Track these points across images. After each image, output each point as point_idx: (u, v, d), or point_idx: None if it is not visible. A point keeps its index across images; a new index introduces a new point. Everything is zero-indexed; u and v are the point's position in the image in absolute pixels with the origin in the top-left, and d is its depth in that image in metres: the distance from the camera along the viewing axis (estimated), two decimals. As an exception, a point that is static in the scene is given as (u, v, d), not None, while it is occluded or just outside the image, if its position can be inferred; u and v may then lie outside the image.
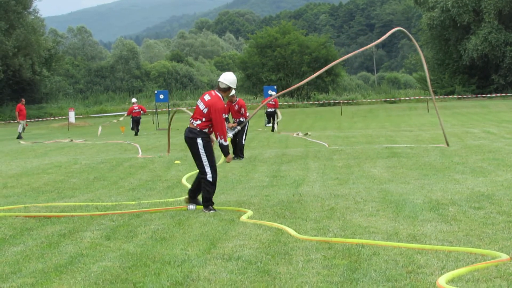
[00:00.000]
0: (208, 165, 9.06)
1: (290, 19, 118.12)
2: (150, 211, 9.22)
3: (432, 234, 7.10)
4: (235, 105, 16.80)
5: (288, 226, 7.74)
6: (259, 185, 11.82)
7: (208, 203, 9.16)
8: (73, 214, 9.15)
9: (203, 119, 9.04)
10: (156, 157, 18.08)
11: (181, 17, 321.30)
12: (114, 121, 35.76)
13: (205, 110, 9.04)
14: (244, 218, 8.37)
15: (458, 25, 64.15)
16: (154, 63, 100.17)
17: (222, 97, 9.17)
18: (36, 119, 52.57)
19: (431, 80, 67.72)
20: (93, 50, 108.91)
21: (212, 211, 9.05)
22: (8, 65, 58.51)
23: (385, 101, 62.62)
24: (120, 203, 10.16)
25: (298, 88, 73.53)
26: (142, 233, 7.77)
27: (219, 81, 9.28)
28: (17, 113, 32.82)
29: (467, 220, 7.81)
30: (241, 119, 16.97)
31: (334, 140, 22.32)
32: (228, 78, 9.23)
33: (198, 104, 9.23)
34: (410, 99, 60.36)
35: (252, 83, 74.41)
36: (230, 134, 9.37)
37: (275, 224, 7.89)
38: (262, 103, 31.12)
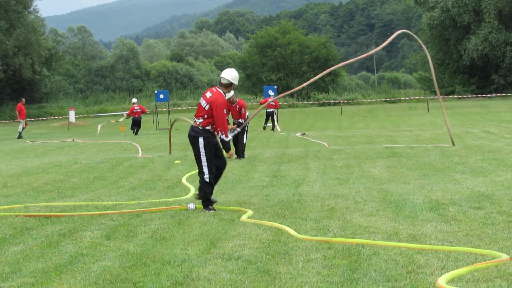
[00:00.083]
0: (207, 166, 9.07)
1: (290, 19, 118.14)
2: (150, 210, 9.22)
3: (432, 234, 7.10)
4: (235, 105, 16.77)
5: (288, 226, 7.74)
6: (259, 185, 11.82)
7: (207, 203, 9.18)
8: (73, 213, 9.15)
9: (205, 116, 9.04)
10: (156, 156, 18.08)
11: (181, 16, 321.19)
12: (112, 121, 35.71)
13: (207, 107, 9.05)
14: (244, 218, 8.37)
15: (458, 25, 64.15)
16: (154, 62, 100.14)
17: (224, 93, 9.15)
18: (36, 119, 52.58)
19: (431, 80, 67.65)
20: (93, 49, 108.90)
21: (212, 211, 9.06)
22: (8, 65, 58.52)
23: (385, 101, 62.62)
24: (120, 202, 10.15)
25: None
26: (142, 232, 7.77)
27: (220, 77, 9.28)
28: (17, 112, 32.82)
29: (467, 220, 7.81)
30: (240, 120, 16.96)
31: (334, 140, 22.32)
32: (230, 74, 9.23)
33: (200, 102, 9.24)
34: (410, 99, 60.36)
35: (252, 83, 74.41)
36: (230, 136, 9.36)
37: (275, 224, 7.89)
38: (260, 102, 31.27)
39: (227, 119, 16.63)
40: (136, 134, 31.78)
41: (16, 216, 9.10)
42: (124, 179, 13.58)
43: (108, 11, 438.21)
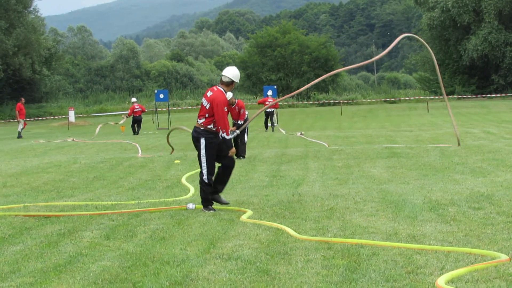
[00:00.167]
0: (206, 167, 9.09)
1: (290, 18, 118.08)
2: (149, 210, 9.21)
3: (431, 235, 7.09)
4: (235, 107, 16.75)
5: (288, 226, 7.73)
6: (259, 185, 11.82)
7: (206, 203, 9.18)
8: (73, 213, 9.14)
9: (207, 115, 9.04)
10: (156, 156, 18.08)
11: (181, 16, 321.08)
12: (111, 123, 35.63)
13: (208, 106, 9.05)
14: (244, 218, 8.37)
15: (458, 25, 64.14)
16: (154, 62, 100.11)
17: (224, 91, 9.13)
18: (36, 118, 52.57)
19: (431, 80, 67.66)
20: (93, 49, 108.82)
21: (211, 211, 9.06)
22: (8, 64, 58.50)
23: (385, 101, 62.63)
24: (119, 202, 10.15)
25: (297, 88, 73.55)
26: (141, 232, 7.76)
27: (222, 75, 9.26)
28: (17, 112, 32.83)
29: (467, 220, 7.80)
30: (239, 121, 16.94)
31: (334, 140, 22.33)
32: (232, 72, 9.21)
33: (202, 101, 9.26)
34: (410, 99, 60.37)
35: (252, 83, 74.42)
36: (231, 135, 9.35)
37: (275, 224, 7.88)
38: (258, 102, 31.28)
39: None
40: (137, 133, 31.81)
41: (16, 215, 9.09)
42: (123, 179, 13.57)
43: (108, 10, 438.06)
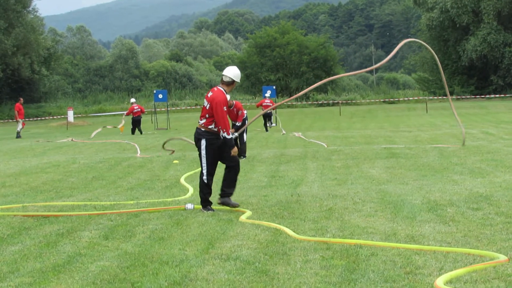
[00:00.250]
0: (206, 168, 9.10)
1: (289, 19, 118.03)
2: (148, 210, 9.21)
3: (430, 235, 7.09)
4: (233, 109, 16.72)
5: (287, 227, 7.73)
6: (258, 185, 11.82)
7: (205, 203, 9.19)
8: (71, 213, 9.13)
9: (207, 116, 9.05)
10: (155, 156, 18.07)
11: (180, 16, 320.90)
12: (109, 127, 35.54)
13: (208, 106, 9.05)
14: (243, 218, 8.37)
15: (457, 26, 64.14)
16: (153, 62, 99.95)
17: (225, 91, 9.12)
18: (35, 118, 52.51)
19: (430, 80, 67.64)
20: (92, 49, 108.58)
21: (210, 211, 9.07)
22: (7, 64, 58.43)
23: (384, 102, 62.62)
24: (118, 202, 10.15)
25: (296, 88, 73.53)
26: (140, 232, 7.76)
27: (222, 75, 9.25)
28: (16, 112, 32.81)
29: (465, 221, 7.80)
30: (238, 123, 16.92)
31: (332, 141, 22.32)
32: (232, 72, 9.21)
33: (204, 102, 9.25)
34: (409, 99, 60.35)
35: (251, 83, 74.42)
36: (231, 135, 9.33)
37: (273, 225, 7.88)
38: (257, 105, 31.34)
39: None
40: (140, 133, 31.87)
41: (14, 215, 9.09)
42: (122, 179, 13.56)
43: (107, 10, 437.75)
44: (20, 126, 32.51)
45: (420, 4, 69.11)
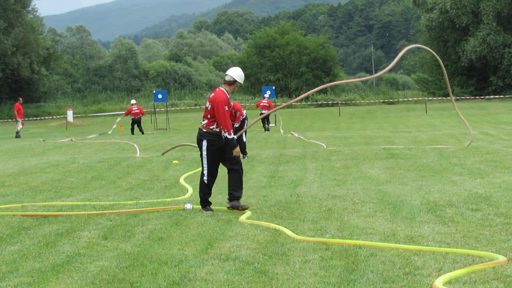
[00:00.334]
0: (207, 168, 9.10)
1: (289, 19, 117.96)
2: (147, 210, 9.20)
3: (429, 236, 7.09)
4: (231, 110, 16.70)
5: (286, 227, 7.73)
6: (257, 185, 11.81)
7: (204, 204, 9.20)
8: (71, 213, 9.13)
9: (208, 116, 9.05)
10: (154, 156, 18.06)
11: (180, 16, 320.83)
12: (109, 132, 35.41)
13: (209, 107, 9.06)
14: (243, 218, 8.37)
15: (457, 26, 64.13)
16: (152, 62, 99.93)
17: (226, 91, 9.11)
18: (35, 118, 52.45)
19: (430, 81, 67.61)
20: (91, 49, 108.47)
21: (209, 211, 9.06)
22: (7, 64, 58.41)
23: (384, 102, 62.60)
24: (117, 202, 10.14)
25: (296, 88, 73.53)
26: (139, 232, 7.75)
27: (225, 74, 9.26)
28: (16, 112, 32.80)
29: (465, 221, 7.79)
30: (235, 124, 16.90)
31: (332, 141, 22.31)
32: (235, 72, 9.21)
33: (206, 104, 9.25)
34: (408, 100, 60.33)
35: (251, 83, 74.37)
36: (233, 134, 9.32)
37: (272, 225, 7.87)
38: (256, 105, 31.38)
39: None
40: (142, 133, 31.93)
41: (14, 215, 9.08)
42: (121, 179, 13.54)
43: (107, 10, 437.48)
44: (19, 125, 32.50)
45: (420, 5, 69.09)
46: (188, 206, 9.29)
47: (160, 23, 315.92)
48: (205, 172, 9.10)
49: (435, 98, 59.43)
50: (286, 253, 6.51)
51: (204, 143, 9.05)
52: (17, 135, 31.99)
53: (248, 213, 8.75)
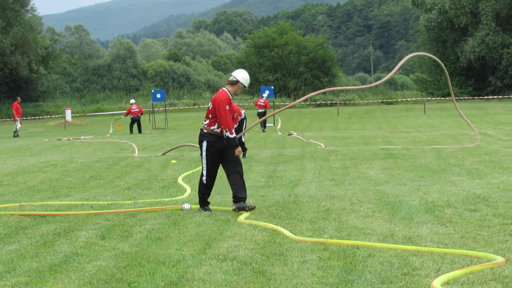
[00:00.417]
0: (206, 169, 9.09)
1: (288, 19, 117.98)
2: (145, 210, 9.19)
3: (427, 236, 7.07)
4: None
5: (284, 227, 7.71)
6: (255, 185, 11.79)
7: (203, 203, 9.19)
8: (69, 213, 9.11)
9: (210, 116, 9.03)
10: (153, 156, 18.04)
11: (178, 16, 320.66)
12: (107, 135, 35.36)
13: (211, 106, 9.05)
14: (241, 218, 8.36)
15: (456, 26, 64.10)
16: (151, 62, 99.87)
17: (228, 91, 9.09)
18: (33, 117, 52.35)
19: (428, 81, 67.52)
20: (90, 48, 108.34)
21: (207, 211, 9.06)
22: (5, 63, 58.34)
23: (382, 102, 62.59)
24: (115, 202, 10.13)
25: (295, 89, 73.54)
26: (137, 232, 7.74)
27: (230, 75, 9.26)
28: (14, 111, 32.77)
29: (463, 222, 7.78)
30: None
31: (330, 141, 22.29)
32: (240, 73, 9.20)
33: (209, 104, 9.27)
34: (407, 100, 60.31)
35: (249, 83, 74.32)
36: (235, 133, 9.30)
37: (270, 225, 7.86)
38: (255, 104, 31.41)
39: None
40: (140, 132, 31.90)
41: (11, 215, 9.07)
42: (120, 178, 13.52)
43: (106, 10, 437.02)
44: (18, 125, 32.47)
45: (419, 5, 69.04)
46: (186, 206, 9.28)
47: (158, 22, 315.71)
48: (204, 172, 9.09)
49: (433, 98, 59.40)
50: (284, 254, 6.50)
51: (204, 143, 9.04)
52: (16, 135, 31.97)
53: (246, 213, 8.73)
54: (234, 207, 8.95)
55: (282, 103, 59.22)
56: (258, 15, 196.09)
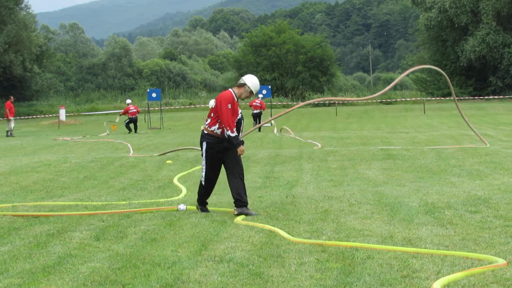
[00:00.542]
0: (205, 170, 9.01)
1: (286, 18, 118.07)
2: (140, 211, 9.13)
3: (427, 238, 7.03)
4: None
5: (281, 228, 7.67)
6: (252, 186, 11.71)
7: (201, 203, 9.14)
8: (62, 213, 9.05)
9: (212, 115, 8.96)
10: (148, 156, 17.97)
11: (175, 14, 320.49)
12: (104, 134, 35.26)
13: (214, 105, 8.99)
14: (238, 219, 8.32)
15: (456, 26, 63.95)
16: (147, 61, 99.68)
17: (235, 94, 9.01)
18: (26, 117, 52.14)
19: (428, 81, 67.37)
20: (85, 47, 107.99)
21: (204, 212, 9.03)
22: (-1, 62, 58.20)
23: (381, 102, 62.55)
24: (110, 203, 10.07)
25: (292, 88, 73.50)
26: (132, 233, 7.69)
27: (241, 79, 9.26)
28: (7, 110, 32.66)
29: (463, 224, 7.74)
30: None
31: (328, 141, 22.25)
32: (249, 78, 9.15)
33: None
34: (406, 100, 60.23)
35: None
36: (236, 132, 9.22)
37: (268, 226, 7.81)
38: (249, 105, 31.39)
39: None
40: (135, 131, 32.13)
41: (4, 215, 9.01)
42: (114, 179, 13.46)
43: (101, 8, 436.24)
44: (12, 124, 32.35)
45: (418, 4, 68.92)
46: (182, 206, 9.22)
47: (154, 21, 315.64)
48: (203, 174, 9.03)
49: (433, 98, 59.27)
50: (281, 255, 6.45)
51: (204, 145, 8.98)
52: (9, 134, 31.87)
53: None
54: (236, 212, 8.81)
55: (279, 103, 59.23)
56: (256, 13, 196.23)
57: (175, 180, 12.54)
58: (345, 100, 14.57)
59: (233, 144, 8.78)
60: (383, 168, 13.80)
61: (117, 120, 34.65)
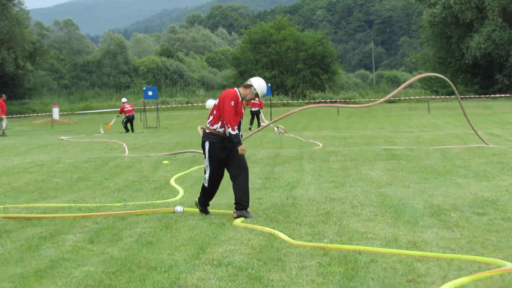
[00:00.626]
0: (208, 171, 8.89)
1: (286, 14, 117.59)
2: (136, 213, 9.06)
3: (433, 241, 6.96)
4: None
5: (281, 231, 7.62)
6: (252, 187, 11.51)
7: (202, 204, 9.03)
8: (55, 215, 9.02)
9: (214, 112, 8.88)
10: (144, 156, 17.91)
11: (172, 10, 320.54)
12: (101, 133, 35.13)
13: (217, 102, 8.93)
14: (237, 221, 8.26)
15: (461, 22, 63.67)
16: (143, 58, 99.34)
17: (240, 93, 8.95)
18: (18, 115, 51.80)
19: (433, 79, 67.05)
20: (79, 44, 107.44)
21: (203, 213, 8.94)
22: (-9, 59, 58.04)
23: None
24: (104, 204, 10.04)
25: (293, 86, 73.50)
26: (127, 236, 7.65)
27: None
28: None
29: (470, 226, 7.69)
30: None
31: (330, 141, 22.18)
32: (256, 80, 9.17)
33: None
34: (410, 98, 60.09)
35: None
36: (237, 130, 9.11)
37: (267, 229, 7.75)
38: (246, 103, 31.13)
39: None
40: (132, 131, 32.20)
41: (-5, 217, 8.98)
42: (109, 179, 13.39)
43: (96, 4, 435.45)
44: (4, 123, 32.21)
45: (422, 0, 68.84)
46: (179, 208, 9.13)
47: (151, 17, 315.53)
48: (206, 175, 8.91)
49: (438, 97, 59.08)
50: (281, 259, 6.39)
51: (207, 144, 8.86)
52: (2, 133, 31.76)
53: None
54: (236, 215, 8.71)
55: (280, 101, 59.13)
56: (255, 9, 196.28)
57: (172, 181, 12.47)
58: (344, 107, 14.58)
59: (233, 142, 8.68)
60: (387, 169, 13.72)
61: (112, 122, 34.46)
